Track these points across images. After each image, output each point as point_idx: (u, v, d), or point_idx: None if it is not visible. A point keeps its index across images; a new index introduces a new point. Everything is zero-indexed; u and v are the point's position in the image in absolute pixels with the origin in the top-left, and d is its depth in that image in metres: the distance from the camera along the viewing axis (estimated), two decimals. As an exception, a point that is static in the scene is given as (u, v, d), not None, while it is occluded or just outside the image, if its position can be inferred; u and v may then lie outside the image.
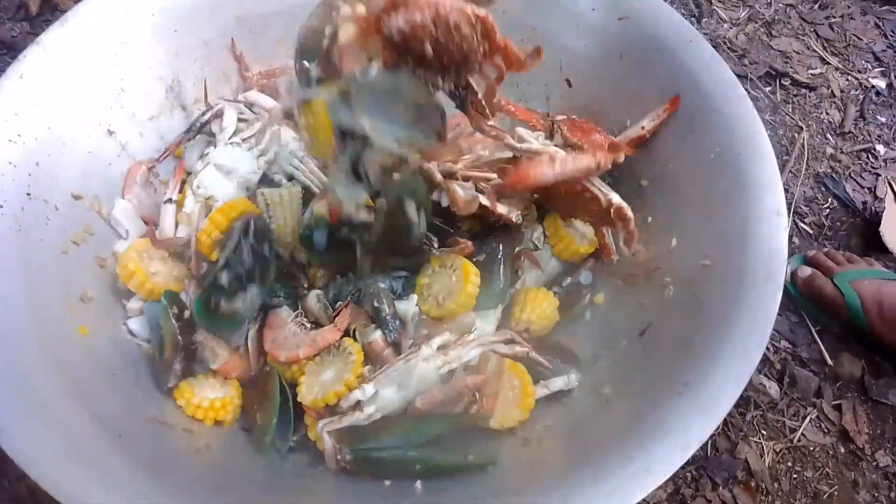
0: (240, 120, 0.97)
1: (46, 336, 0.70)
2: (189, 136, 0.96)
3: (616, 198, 0.74)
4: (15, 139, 0.78)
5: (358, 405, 0.73)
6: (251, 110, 0.99)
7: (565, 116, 0.89)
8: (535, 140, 0.78)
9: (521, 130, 0.78)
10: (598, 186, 0.74)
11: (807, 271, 1.14)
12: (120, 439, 0.63)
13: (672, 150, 0.88)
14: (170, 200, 0.92)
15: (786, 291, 1.13)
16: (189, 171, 0.95)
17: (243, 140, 0.94)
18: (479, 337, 0.75)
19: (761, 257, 0.72)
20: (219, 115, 0.96)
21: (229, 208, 0.85)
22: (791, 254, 1.24)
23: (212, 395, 0.78)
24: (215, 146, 0.94)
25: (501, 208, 0.80)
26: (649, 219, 0.88)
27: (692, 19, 1.67)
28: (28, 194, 0.78)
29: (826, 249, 1.21)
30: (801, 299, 1.15)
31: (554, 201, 0.85)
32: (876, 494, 1.05)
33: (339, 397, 0.73)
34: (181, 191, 0.94)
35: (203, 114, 0.96)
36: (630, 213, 0.73)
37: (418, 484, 0.66)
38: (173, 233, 0.89)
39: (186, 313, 0.80)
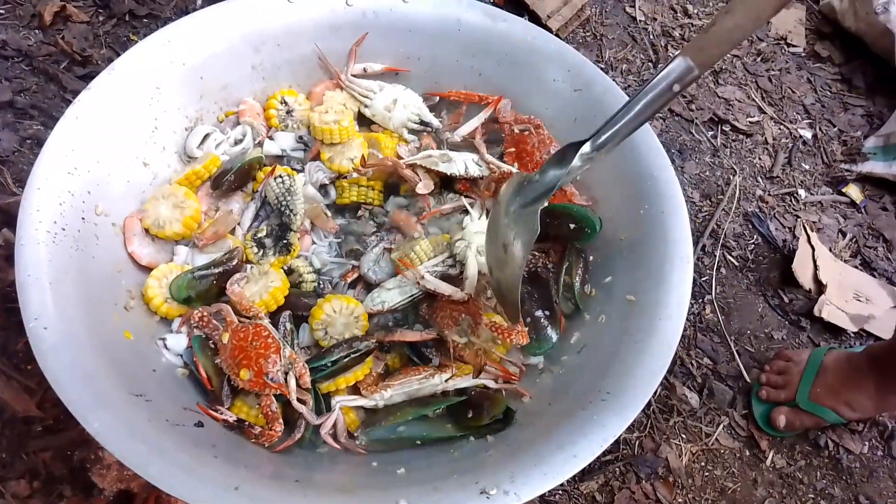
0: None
1: (102, 340, 0.85)
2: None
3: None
4: (72, 171, 0.94)
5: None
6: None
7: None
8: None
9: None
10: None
11: (781, 416, 1.24)
12: (167, 423, 0.80)
13: (613, 205, 1.09)
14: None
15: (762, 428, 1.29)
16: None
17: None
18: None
19: (672, 297, 0.93)
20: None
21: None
22: (700, 292, 1.42)
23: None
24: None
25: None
26: (591, 257, 1.08)
27: (649, 63, 1.86)
28: (83, 218, 0.94)
29: (765, 380, 1.30)
30: (787, 434, 1.28)
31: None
32: (770, 491, 1.26)
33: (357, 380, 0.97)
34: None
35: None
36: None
37: (402, 469, 0.85)
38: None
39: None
